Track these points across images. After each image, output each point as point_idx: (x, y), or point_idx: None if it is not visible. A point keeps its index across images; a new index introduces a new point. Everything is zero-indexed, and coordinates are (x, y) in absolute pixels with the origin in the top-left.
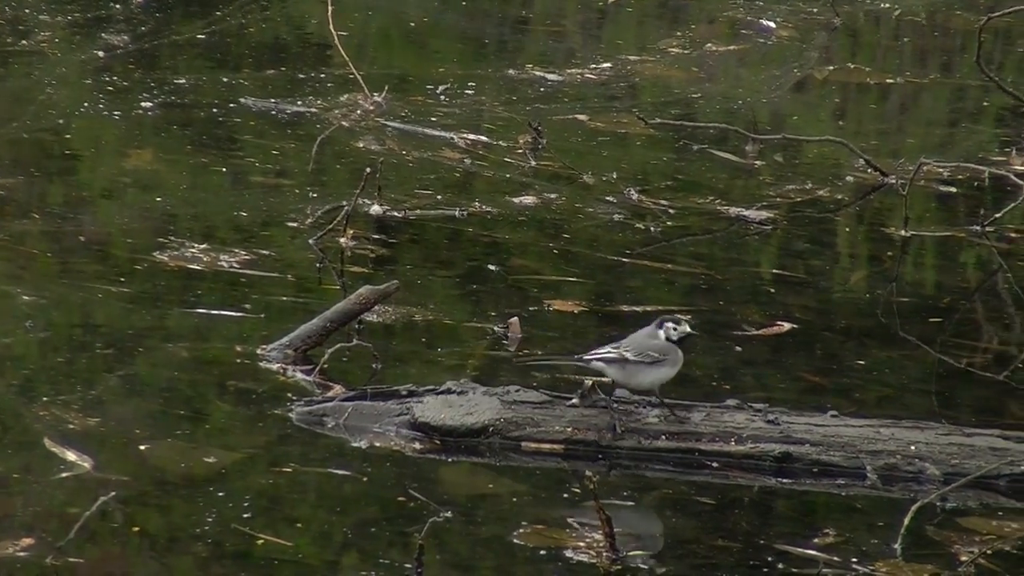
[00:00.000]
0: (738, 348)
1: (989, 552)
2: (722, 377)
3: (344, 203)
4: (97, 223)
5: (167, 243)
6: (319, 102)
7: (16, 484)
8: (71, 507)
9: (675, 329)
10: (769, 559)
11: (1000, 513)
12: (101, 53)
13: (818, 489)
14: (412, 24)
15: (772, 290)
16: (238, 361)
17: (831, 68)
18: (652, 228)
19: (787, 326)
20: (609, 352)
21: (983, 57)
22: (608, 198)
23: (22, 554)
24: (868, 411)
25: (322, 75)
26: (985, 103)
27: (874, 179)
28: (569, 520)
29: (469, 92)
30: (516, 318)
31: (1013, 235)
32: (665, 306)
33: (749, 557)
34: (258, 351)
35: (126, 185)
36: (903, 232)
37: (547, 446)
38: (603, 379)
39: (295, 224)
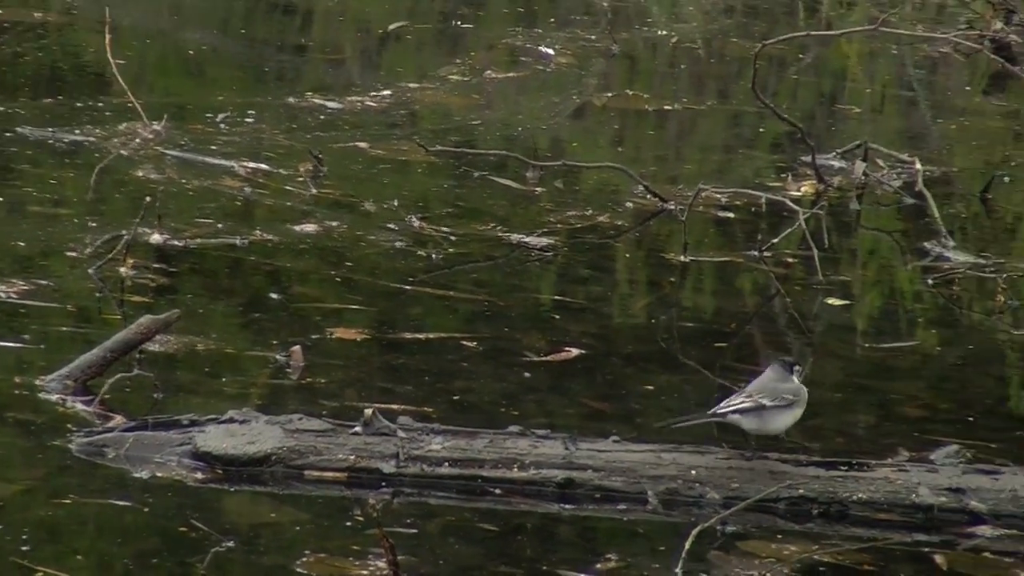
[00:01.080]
0: (527, 374)
1: (768, 575)
2: (507, 403)
3: (124, 232)
4: None
5: None
6: (97, 131)
7: None
8: None
9: (800, 372)
10: None
11: (779, 536)
12: None
13: (600, 514)
14: (191, 52)
15: (555, 316)
16: (17, 392)
17: (609, 95)
18: (434, 255)
19: (575, 352)
20: (744, 402)
21: (758, 84)
22: (389, 225)
23: None
24: (650, 436)
25: (100, 104)
26: (761, 129)
27: (653, 205)
28: (352, 548)
29: (249, 120)
30: (298, 346)
31: (790, 260)
32: (448, 333)
33: None
34: (37, 382)
35: None
36: (682, 258)
37: (330, 474)
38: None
39: (74, 254)
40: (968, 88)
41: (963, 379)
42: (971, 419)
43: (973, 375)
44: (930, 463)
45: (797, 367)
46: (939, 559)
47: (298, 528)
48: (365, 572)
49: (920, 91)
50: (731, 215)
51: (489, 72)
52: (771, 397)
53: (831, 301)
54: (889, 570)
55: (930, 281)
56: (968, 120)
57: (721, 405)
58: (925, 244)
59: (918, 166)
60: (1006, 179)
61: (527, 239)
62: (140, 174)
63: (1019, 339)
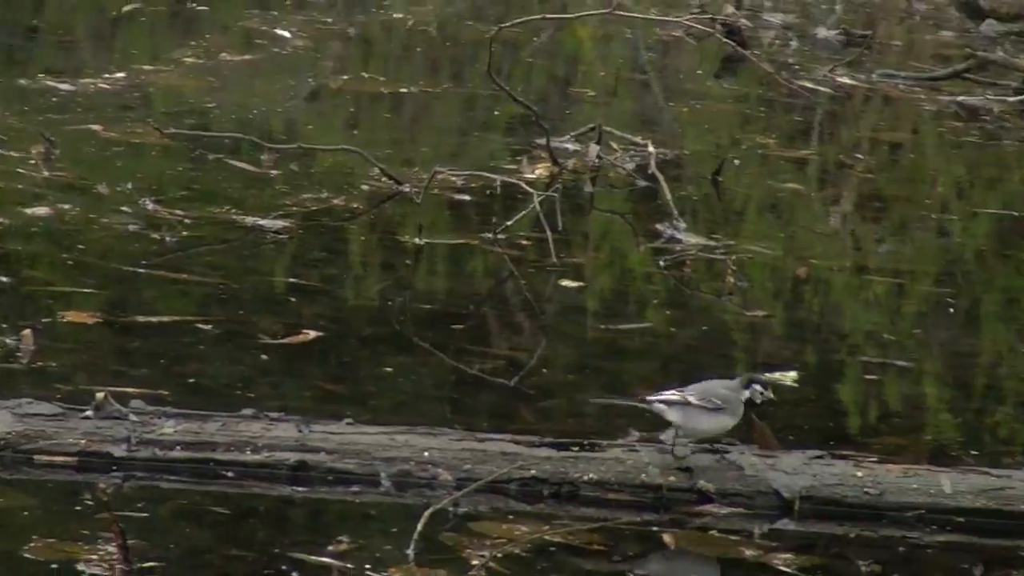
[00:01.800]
0: (263, 357)
1: (500, 555)
2: (242, 386)
3: None
4: None
5: None
6: None
7: None
8: None
9: (762, 394)
10: (283, 567)
11: (511, 517)
12: None
13: (333, 497)
14: None
15: (290, 299)
16: None
17: (345, 78)
18: (167, 238)
19: (312, 334)
20: (672, 395)
21: (493, 67)
22: (123, 208)
23: None
24: (384, 418)
25: None
26: (496, 112)
27: (388, 188)
28: (82, 533)
29: None
30: (29, 330)
31: (524, 242)
32: (182, 316)
33: (264, 566)
34: None
35: None
36: (418, 240)
37: (60, 459)
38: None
39: None
40: (700, 72)
41: (693, 360)
42: None
43: (703, 356)
44: (660, 443)
45: (758, 386)
46: (667, 538)
47: (26, 513)
48: (94, 557)
49: (653, 75)
50: (466, 198)
51: (224, 55)
52: (699, 397)
53: (565, 283)
54: (619, 549)
55: (662, 263)
56: (700, 103)
57: (652, 394)
58: (657, 226)
59: (651, 149)
60: (736, 162)
61: (262, 222)
62: None
63: (747, 320)
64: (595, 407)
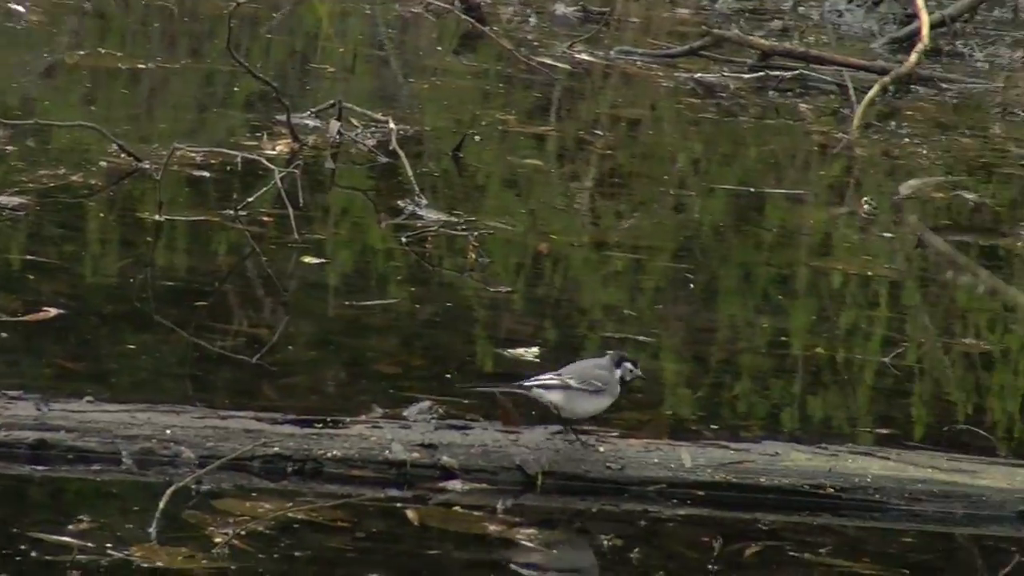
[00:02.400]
0: (2, 334)
1: (243, 532)
2: None
3: None
4: None
5: None
6: None
7: None
8: None
9: (631, 372)
10: (23, 547)
11: (254, 494)
12: None
13: (74, 476)
14: None
15: (28, 276)
16: None
17: (81, 53)
18: None
19: (52, 312)
20: (551, 379)
21: (232, 42)
22: None
23: None
24: (125, 396)
25: None
26: (235, 88)
27: (127, 164)
28: None
29: None
30: None
31: (265, 219)
32: None
33: (2, 546)
34: None
35: None
36: (158, 216)
37: None
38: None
39: None
40: (439, 48)
41: (435, 336)
42: (443, 376)
43: (445, 332)
44: (403, 420)
45: (628, 364)
46: (411, 514)
47: None
48: None
49: (392, 51)
50: (206, 174)
51: None
52: (579, 380)
53: (306, 259)
54: (362, 525)
55: (404, 239)
56: (439, 80)
57: (531, 379)
58: (399, 202)
59: (392, 125)
60: (476, 138)
61: None
62: None
63: (490, 296)
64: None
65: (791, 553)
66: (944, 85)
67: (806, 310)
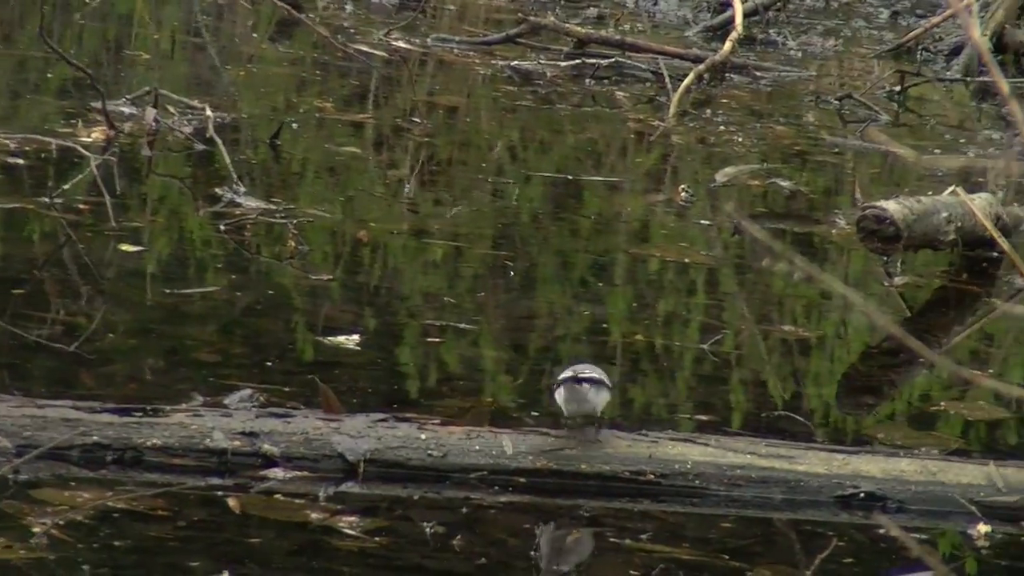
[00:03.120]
0: None
1: (62, 522)
2: None
3: None
4: None
5: None
6: None
7: None
8: None
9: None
10: None
11: (73, 483)
12: None
13: None
14: None
15: None
16: None
17: None
18: None
19: None
20: (594, 374)
21: (45, 29)
22: None
23: None
24: None
25: None
26: (49, 75)
27: None
28: None
29: None
30: None
31: (81, 206)
32: None
33: None
34: None
35: None
36: None
37: None
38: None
39: None
40: (255, 35)
41: (255, 324)
42: (264, 363)
43: (265, 320)
44: (224, 408)
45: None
46: (232, 502)
47: None
48: None
49: (208, 37)
50: (20, 161)
51: None
52: (600, 374)
53: (124, 247)
54: (183, 514)
55: (222, 227)
56: (256, 67)
57: (562, 374)
58: (217, 190)
59: (208, 113)
60: (294, 125)
61: None
62: None
63: (309, 284)
64: (156, 370)
65: (612, 539)
66: (758, 73)
67: (624, 297)
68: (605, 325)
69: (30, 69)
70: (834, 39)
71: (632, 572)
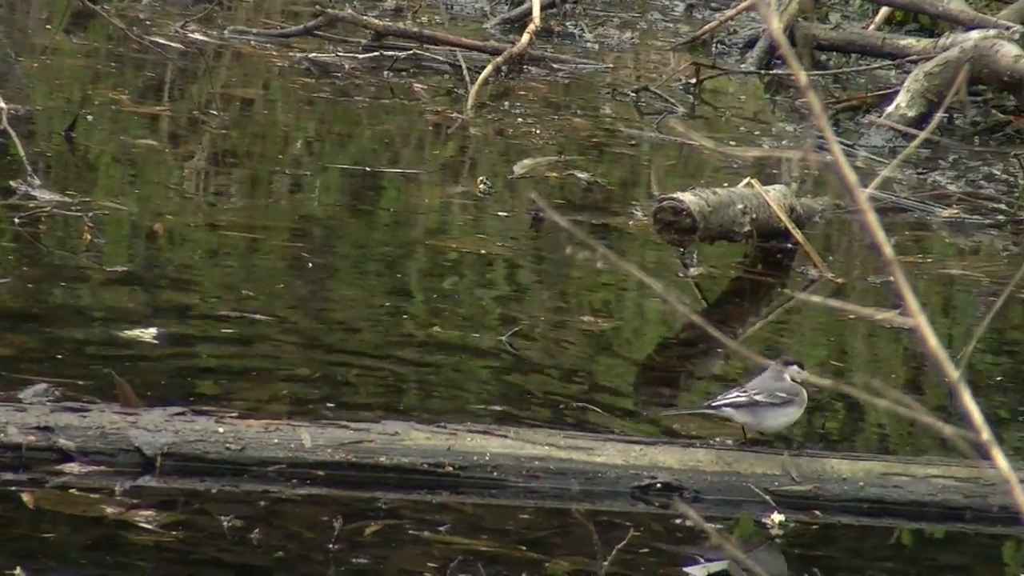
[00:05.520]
0: None
1: None
2: None
3: None
4: None
5: None
6: None
7: None
8: None
9: (799, 372)
10: None
11: None
12: None
13: None
14: None
15: None
16: None
17: None
18: None
19: None
20: (738, 397)
21: None
22: None
23: None
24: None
25: None
26: None
27: None
28: None
29: None
30: None
31: None
32: None
33: None
34: None
35: None
36: None
37: None
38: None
39: None
40: (49, 27)
41: (50, 318)
42: (58, 357)
43: (60, 313)
44: (19, 402)
45: (794, 367)
46: (27, 497)
47: None
48: None
49: (1, 28)
50: None
51: None
52: (766, 394)
53: None
54: None
55: (17, 220)
56: (50, 59)
57: (717, 398)
58: (11, 183)
59: (1, 104)
60: (89, 118)
61: None
62: None
63: (105, 277)
64: None
65: (411, 531)
66: (556, 66)
67: (423, 289)
68: (404, 317)
69: None
70: (630, 32)
71: (430, 564)
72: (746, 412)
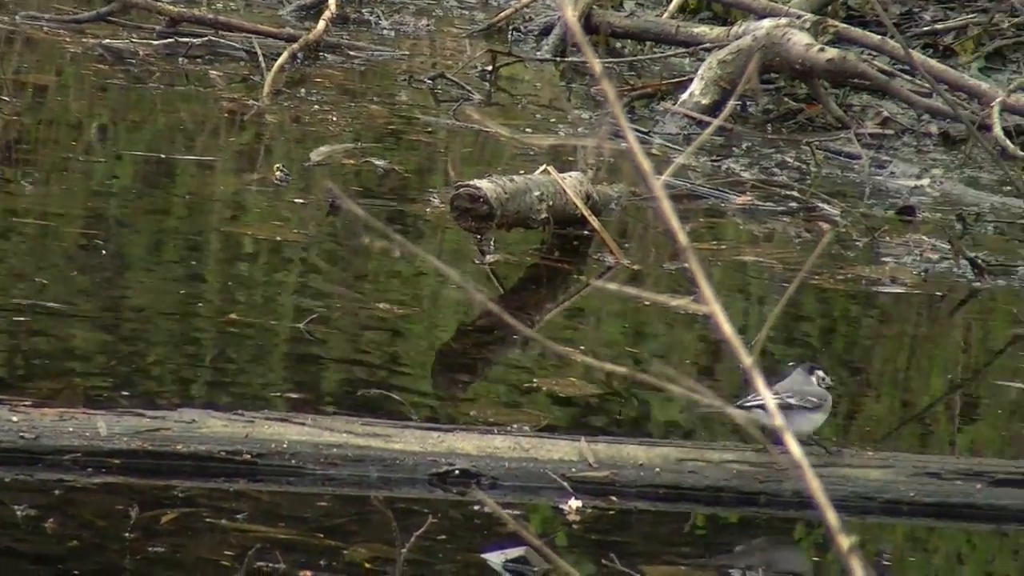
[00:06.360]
0: None
1: None
2: None
3: None
4: None
5: None
6: None
7: None
8: None
9: (824, 378)
10: None
11: None
12: None
13: None
14: None
15: None
16: None
17: None
18: None
19: None
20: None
21: None
22: None
23: None
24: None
25: None
26: None
27: None
28: None
29: None
30: None
31: None
32: None
33: None
34: None
35: None
36: None
37: None
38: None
39: None
40: None
41: None
42: None
43: None
44: None
45: (819, 371)
46: None
47: None
48: None
49: None
50: None
51: None
52: (798, 397)
53: None
54: None
55: None
56: None
57: (748, 398)
58: None
59: None
60: None
61: None
62: None
63: None
64: None
65: (208, 519)
66: (352, 53)
67: (219, 276)
68: (200, 304)
69: None
70: (426, 19)
71: (227, 552)
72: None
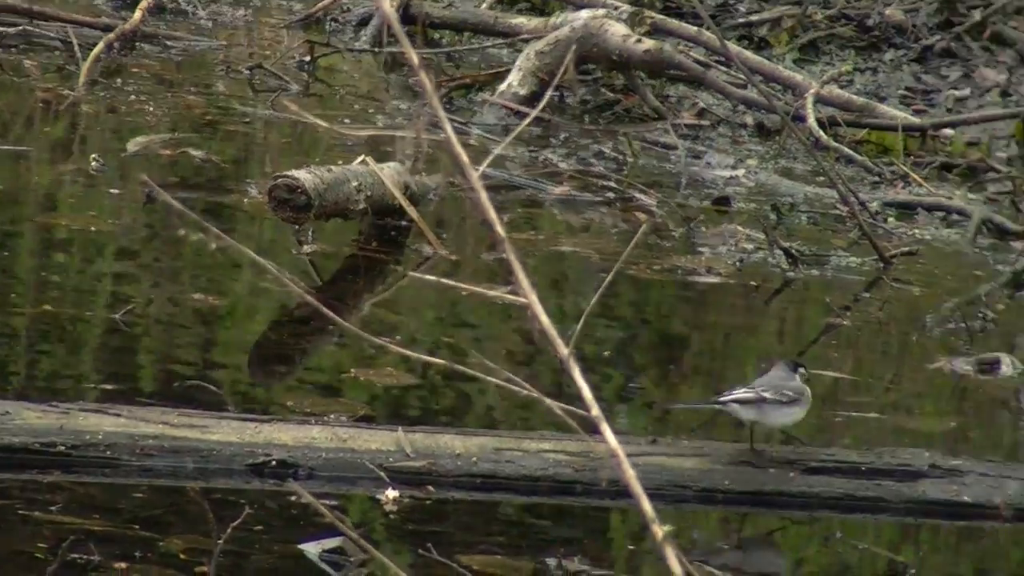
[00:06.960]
0: None
1: None
2: None
3: None
4: None
5: None
6: None
7: None
8: None
9: (804, 375)
10: None
11: None
12: None
13: None
14: None
15: None
16: None
17: None
18: None
19: None
20: (745, 394)
21: None
22: None
23: None
24: None
25: None
26: None
27: None
28: None
29: None
30: None
31: None
32: None
33: None
34: None
35: None
36: None
37: None
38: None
39: None
40: None
41: None
42: None
43: None
44: None
45: (802, 369)
46: None
47: None
48: None
49: None
50: None
51: None
52: (773, 392)
53: None
54: None
55: None
56: None
57: (724, 394)
58: None
59: None
60: None
61: None
62: None
63: None
64: None
65: (21, 511)
66: (169, 43)
67: (33, 267)
68: (13, 295)
69: None
70: (244, 9)
71: (41, 544)
72: (752, 409)
